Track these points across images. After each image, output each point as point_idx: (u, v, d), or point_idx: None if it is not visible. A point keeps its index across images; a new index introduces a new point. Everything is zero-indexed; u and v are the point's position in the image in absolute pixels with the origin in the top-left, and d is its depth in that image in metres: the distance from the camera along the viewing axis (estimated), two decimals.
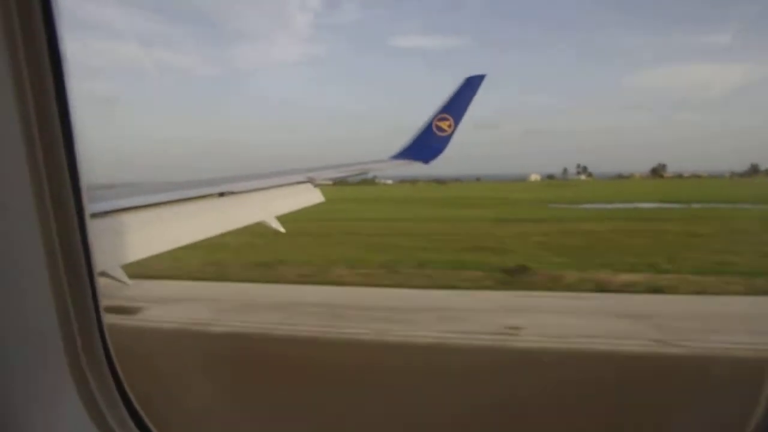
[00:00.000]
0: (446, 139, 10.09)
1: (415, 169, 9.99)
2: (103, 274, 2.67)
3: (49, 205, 1.30)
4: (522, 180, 68.73)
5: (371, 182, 55.71)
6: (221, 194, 4.67)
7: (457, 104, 10.11)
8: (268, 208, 5.21)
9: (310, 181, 6.34)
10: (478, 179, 72.49)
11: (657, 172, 70.99)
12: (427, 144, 10.05)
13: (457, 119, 10.10)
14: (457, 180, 69.07)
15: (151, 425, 1.58)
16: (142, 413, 1.56)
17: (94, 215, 3.05)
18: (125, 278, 2.83)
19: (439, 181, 66.31)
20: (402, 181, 63.55)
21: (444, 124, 10.05)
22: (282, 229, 5.19)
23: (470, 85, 10.11)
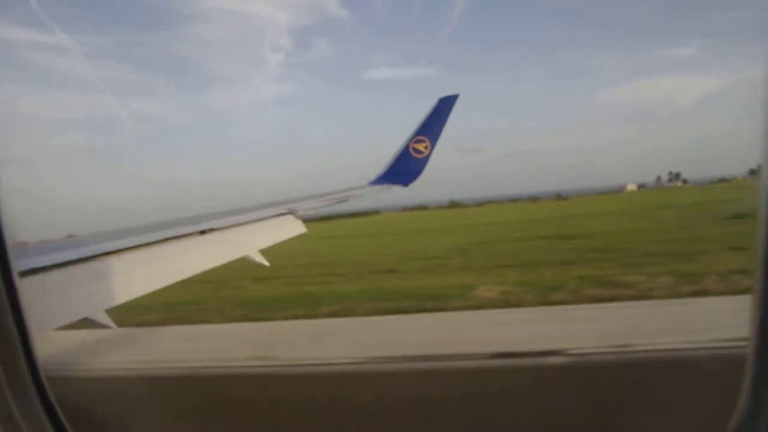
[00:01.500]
0: (424, 161, 10.22)
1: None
2: (87, 320, 2.69)
3: None
4: (619, 191, 60.43)
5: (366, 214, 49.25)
6: (202, 232, 4.71)
7: (432, 125, 10.27)
8: (251, 242, 5.24)
9: (291, 212, 6.38)
10: (558, 195, 60.43)
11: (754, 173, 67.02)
12: (405, 167, 10.16)
13: (434, 140, 10.25)
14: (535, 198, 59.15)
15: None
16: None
17: (76, 261, 3.09)
18: (110, 323, 2.85)
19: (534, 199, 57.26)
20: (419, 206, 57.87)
21: (421, 146, 10.19)
22: (266, 263, 5.22)
23: (444, 106, 10.29)
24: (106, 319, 2.81)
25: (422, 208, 56.68)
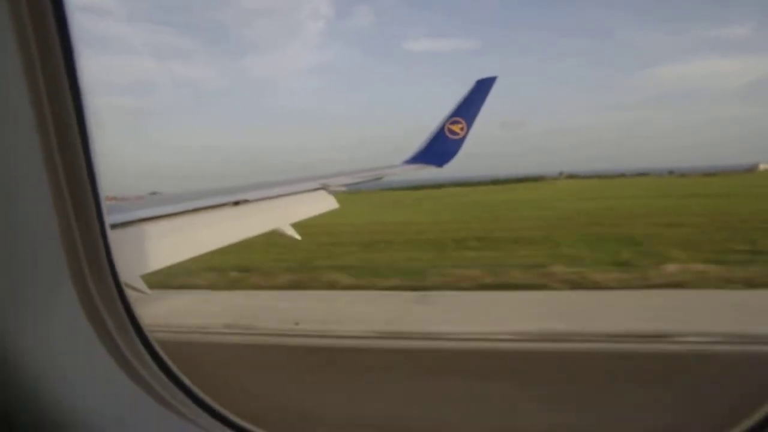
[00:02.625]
0: (459, 142, 10.10)
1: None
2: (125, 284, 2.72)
3: (70, 210, 1.34)
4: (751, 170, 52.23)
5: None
6: (236, 203, 4.74)
7: (468, 107, 10.12)
8: (283, 216, 5.27)
9: (324, 188, 6.38)
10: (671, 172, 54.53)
11: None
12: (440, 148, 10.08)
13: (470, 122, 10.11)
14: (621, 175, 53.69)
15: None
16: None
17: (113, 226, 3.12)
18: (145, 288, 2.88)
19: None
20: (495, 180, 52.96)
21: (456, 128, 10.07)
22: (298, 237, 5.24)
23: (481, 88, 10.12)
24: (141, 285, 2.84)
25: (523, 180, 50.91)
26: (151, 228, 3.46)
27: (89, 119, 1.36)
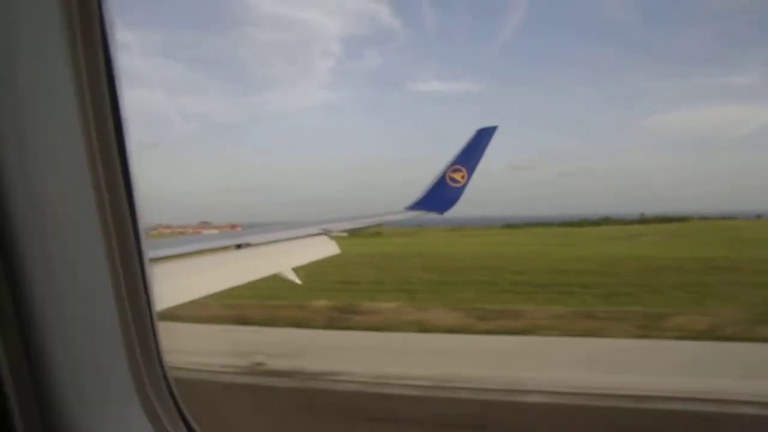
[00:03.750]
0: (460, 190, 10.27)
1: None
2: None
3: (114, 242, 1.38)
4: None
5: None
6: (238, 246, 4.84)
7: (469, 155, 10.34)
8: (284, 260, 5.35)
9: (325, 233, 6.49)
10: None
11: None
12: (441, 195, 10.24)
13: (471, 170, 10.31)
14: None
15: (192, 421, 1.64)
16: (197, 428, 1.62)
17: None
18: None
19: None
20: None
21: (457, 175, 10.25)
22: (298, 281, 5.31)
23: (482, 137, 10.37)
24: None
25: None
26: (156, 269, 3.55)
27: (131, 163, 1.41)
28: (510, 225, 54.13)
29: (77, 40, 1.28)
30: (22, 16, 1.21)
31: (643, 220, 51.84)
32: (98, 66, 1.33)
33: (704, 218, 49.44)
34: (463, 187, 10.18)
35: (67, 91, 1.28)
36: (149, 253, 3.29)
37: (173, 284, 3.67)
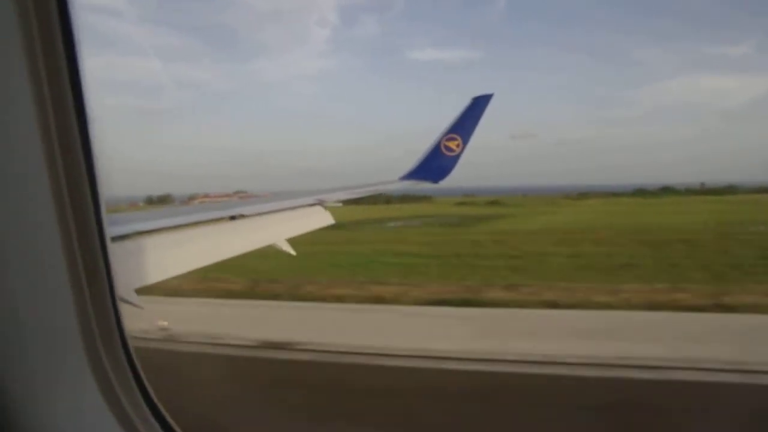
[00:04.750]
0: (455, 159, 10.17)
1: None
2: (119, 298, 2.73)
3: (71, 222, 1.34)
4: None
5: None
6: (232, 217, 4.75)
7: (464, 124, 10.20)
8: (279, 231, 5.28)
9: (320, 203, 6.41)
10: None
11: None
12: (436, 164, 10.14)
13: (466, 138, 10.18)
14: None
15: (166, 414, 1.61)
16: (160, 406, 1.59)
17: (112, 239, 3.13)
18: (138, 302, 2.88)
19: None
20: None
21: (452, 144, 10.13)
22: (293, 252, 5.25)
23: (477, 105, 10.21)
24: (135, 299, 2.84)
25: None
26: (149, 241, 3.47)
27: (95, 141, 1.36)
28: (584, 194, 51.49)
29: (32, 25, 1.22)
30: None
31: (709, 191, 48.16)
32: (55, 44, 1.27)
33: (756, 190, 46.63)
34: (458, 156, 10.07)
35: (18, 70, 1.22)
36: (141, 224, 3.18)
37: (164, 257, 3.59)
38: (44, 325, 1.32)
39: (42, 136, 1.26)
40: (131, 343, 1.54)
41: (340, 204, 6.97)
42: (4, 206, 1.22)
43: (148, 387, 1.58)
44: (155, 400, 1.60)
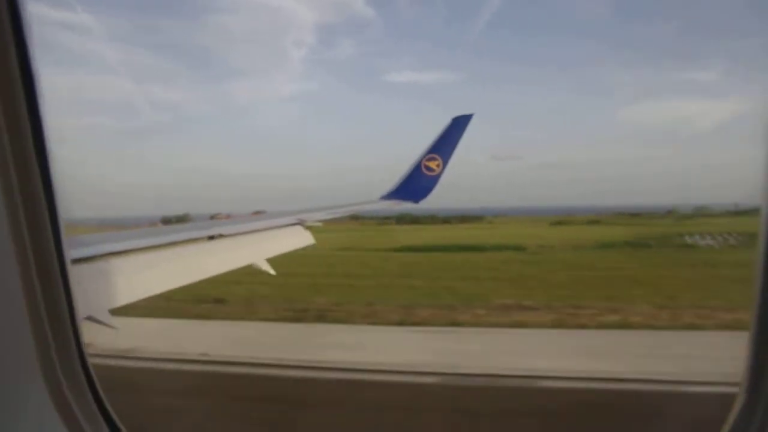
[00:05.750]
0: (435, 179, 10.21)
1: None
2: (90, 318, 2.64)
3: (26, 238, 1.30)
4: None
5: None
6: (211, 237, 4.67)
7: (445, 144, 10.28)
8: (258, 251, 5.20)
9: (300, 223, 6.35)
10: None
11: None
12: (416, 184, 10.17)
13: (446, 158, 10.25)
14: None
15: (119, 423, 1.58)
16: (116, 419, 1.56)
17: (83, 260, 3.04)
18: (112, 322, 2.79)
19: None
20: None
21: (433, 164, 10.19)
22: (272, 272, 5.17)
23: (457, 125, 10.30)
24: (108, 319, 2.76)
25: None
26: (121, 263, 3.38)
27: (52, 164, 1.33)
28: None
29: None
30: None
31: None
32: (8, 61, 1.23)
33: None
34: (438, 176, 10.12)
35: None
36: (115, 245, 3.10)
37: (137, 278, 3.50)
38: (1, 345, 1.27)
39: None
40: (90, 363, 1.50)
41: (320, 224, 6.92)
42: None
43: (102, 395, 1.54)
44: (112, 414, 1.56)
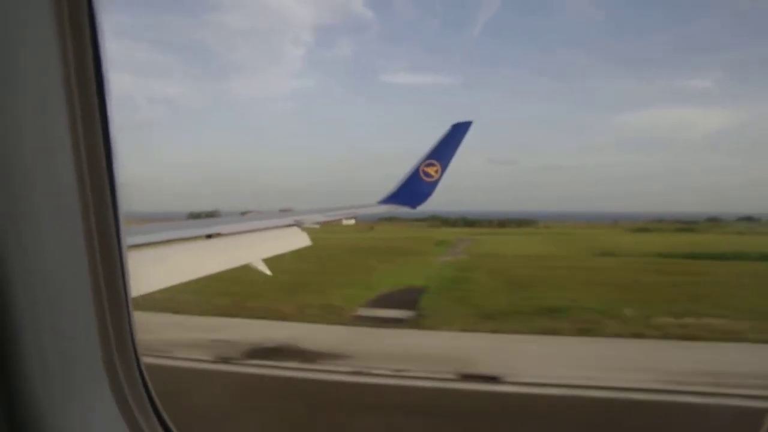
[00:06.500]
0: (433, 185, 10.27)
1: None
2: None
3: (94, 233, 1.36)
4: None
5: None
6: (209, 236, 4.74)
7: (443, 150, 10.34)
8: (255, 251, 5.27)
9: (297, 224, 6.41)
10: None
11: None
12: (414, 189, 10.22)
13: (444, 164, 10.30)
14: None
15: (173, 428, 1.63)
16: (167, 419, 1.61)
17: None
18: None
19: None
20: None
21: (431, 170, 10.25)
22: (268, 272, 5.22)
23: (457, 131, 10.37)
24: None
25: None
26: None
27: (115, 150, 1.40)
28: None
29: (67, 43, 1.27)
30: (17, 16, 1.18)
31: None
32: (87, 63, 1.31)
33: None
34: (436, 182, 10.18)
35: (54, 87, 1.27)
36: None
37: (137, 274, 3.56)
38: (64, 333, 1.33)
39: (72, 146, 1.30)
40: (141, 354, 1.56)
41: (318, 226, 6.99)
42: (30, 215, 1.23)
43: (156, 398, 1.60)
44: (163, 412, 1.62)
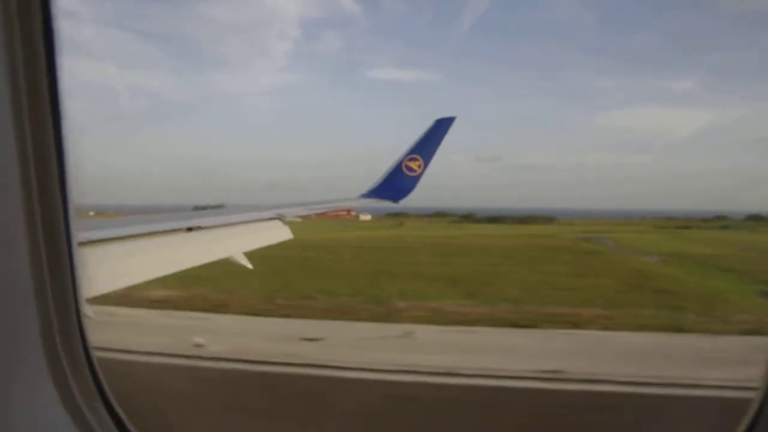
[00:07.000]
0: (416, 179, 10.31)
1: None
2: None
3: (39, 228, 1.33)
4: None
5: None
6: (189, 229, 4.70)
7: (427, 145, 10.37)
8: (236, 244, 5.24)
9: (279, 217, 6.39)
10: None
11: None
12: (396, 183, 10.25)
13: (427, 159, 10.35)
14: None
15: (126, 419, 1.60)
16: (118, 408, 1.58)
17: None
18: (90, 312, 2.82)
19: None
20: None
21: (414, 164, 10.28)
22: (249, 266, 5.20)
23: (440, 127, 10.40)
24: (87, 309, 2.78)
25: None
26: (97, 252, 3.40)
27: (66, 129, 1.36)
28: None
29: (13, 23, 1.23)
30: None
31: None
32: (36, 46, 1.28)
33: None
34: (419, 177, 10.22)
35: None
36: (94, 233, 3.13)
37: (115, 267, 3.52)
38: (4, 324, 1.30)
39: (16, 137, 1.26)
40: (92, 348, 1.53)
41: (299, 219, 6.97)
42: None
43: (107, 390, 1.57)
44: (114, 403, 1.59)
